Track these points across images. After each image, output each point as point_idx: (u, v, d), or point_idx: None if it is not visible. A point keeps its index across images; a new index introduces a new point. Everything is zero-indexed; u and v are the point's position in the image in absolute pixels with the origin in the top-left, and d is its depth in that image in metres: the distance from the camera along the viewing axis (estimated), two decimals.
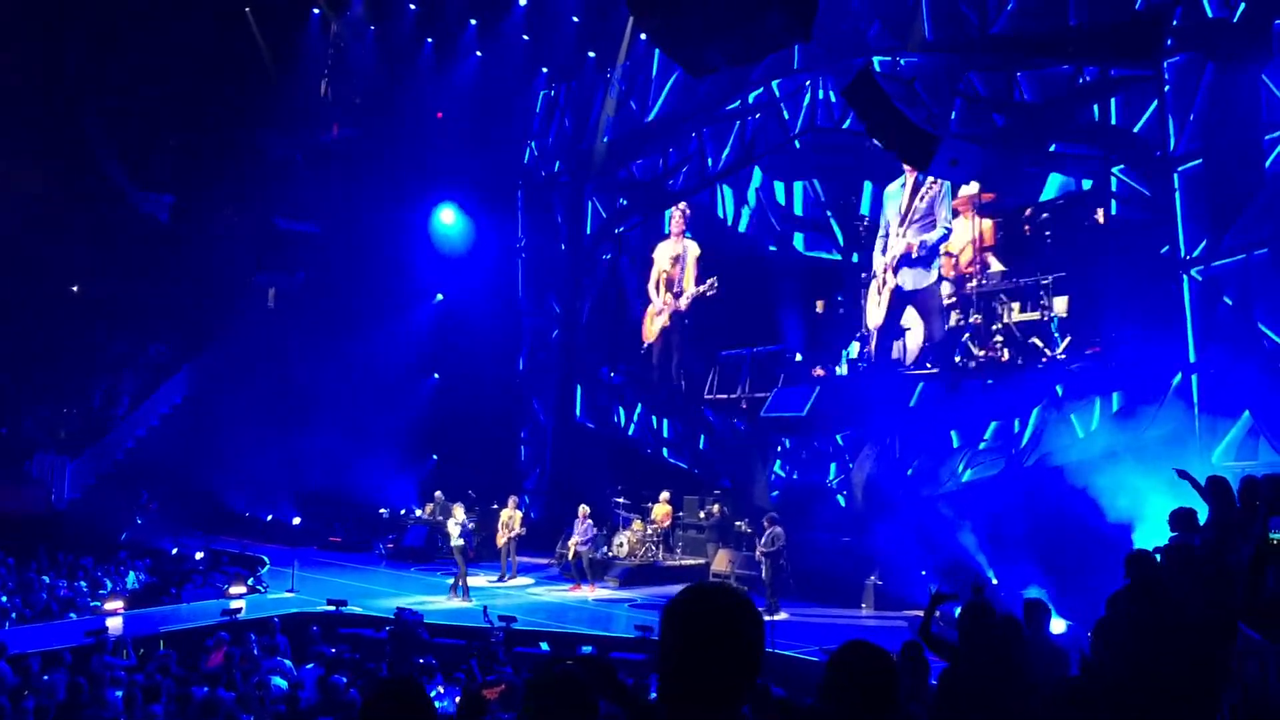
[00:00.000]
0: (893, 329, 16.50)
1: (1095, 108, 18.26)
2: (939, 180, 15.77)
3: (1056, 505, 15.51)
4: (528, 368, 27.49)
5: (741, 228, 19.09)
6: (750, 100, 23.04)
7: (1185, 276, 16.50)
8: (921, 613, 7.81)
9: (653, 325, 19.22)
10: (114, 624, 15.10)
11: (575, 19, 25.06)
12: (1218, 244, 16.18)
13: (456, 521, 19.65)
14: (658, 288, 18.89)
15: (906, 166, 16.85)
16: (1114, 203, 18.19)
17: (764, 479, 22.35)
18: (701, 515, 22.18)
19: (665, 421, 25.00)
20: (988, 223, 15.27)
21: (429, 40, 27.08)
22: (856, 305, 17.55)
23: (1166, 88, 16.83)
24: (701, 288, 18.22)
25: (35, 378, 27.91)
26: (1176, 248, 16.68)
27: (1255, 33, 15.62)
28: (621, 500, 22.53)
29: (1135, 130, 17.67)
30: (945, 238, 15.78)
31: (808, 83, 21.93)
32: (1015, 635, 5.80)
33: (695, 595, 2.61)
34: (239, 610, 16.40)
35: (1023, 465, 17.77)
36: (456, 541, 19.41)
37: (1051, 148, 18.92)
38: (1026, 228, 15.42)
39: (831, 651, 3.25)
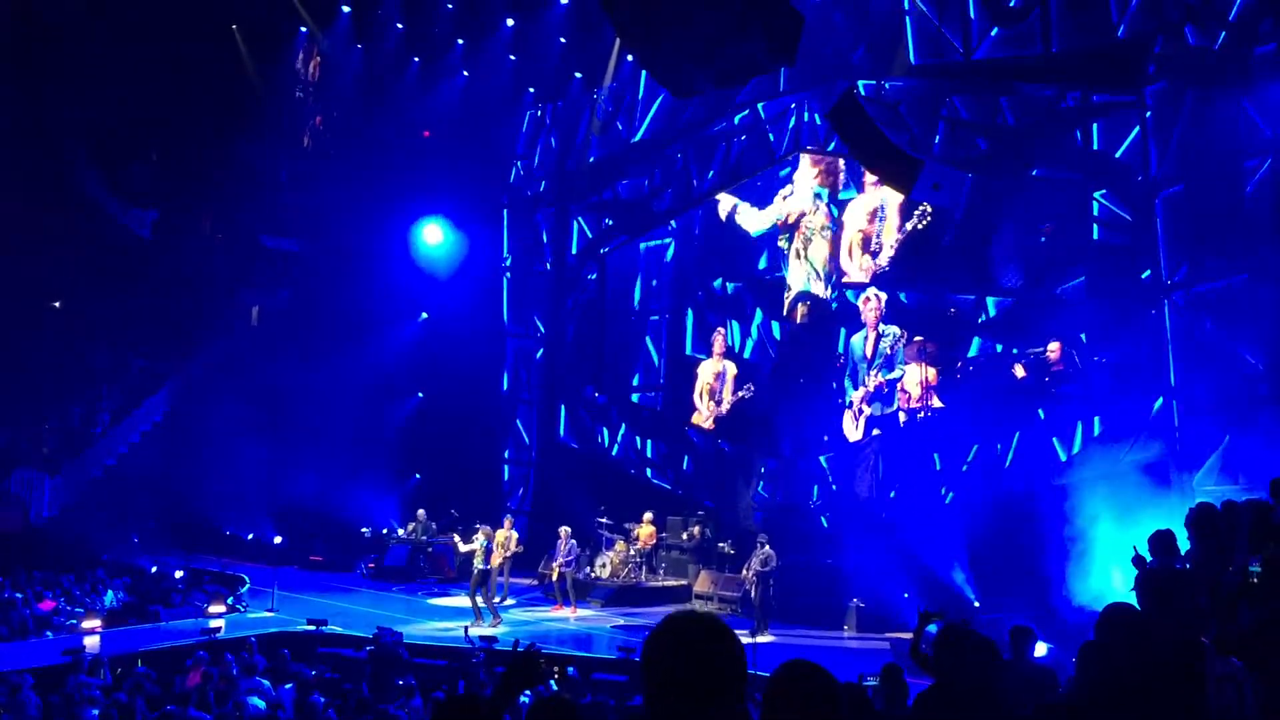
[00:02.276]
0: (866, 444, 20.17)
1: (1078, 132, 18.43)
2: (892, 335, 19.77)
3: (1038, 528, 15.55)
4: (512, 387, 27.44)
5: (746, 354, 22.17)
6: (735, 122, 23.19)
7: (1166, 301, 16.62)
8: (904, 635, 7.83)
9: (701, 428, 22.50)
10: (91, 643, 14.96)
11: (562, 40, 25.14)
12: (1199, 269, 16.32)
13: (483, 543, 19.31)
14: (701, 397, 22.15)
15: (865, 320, 20.16)
16: (1096, 227, 18.33)
17: (747, 500, 22.36)
18: (684, 536, 22.14)
19: (649, 442, 25.00)
20: (932, 370, 19.02)
21: (416, 59, 27.10)
22: (837, 425, 20.60)
23: (1148, 113, 17.01)
24: (741, 392, 21.45)
25: (15, 393, 27.66)
26: (1158, 272, 16.81)
27: (1235, 61, 15.80)
28: (604, 520, 22.46)
29: (1117, 155, 17.84)
30: (900, 378, 19.52)
31: (793, 105, 22.10)
32: (992, 658, 5.79)
33: (680, 621, 2.70)
34: (218, 629, 16.29)
35: (1005, 488, 17.81)
36: (482, 564, 19.07)
37: (1034, 172, 19.08)
38: (959, 375, 19.11)
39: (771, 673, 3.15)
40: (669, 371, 24.07)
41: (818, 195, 21.48)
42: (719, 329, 22.65)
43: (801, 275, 21.32)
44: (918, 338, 19.34)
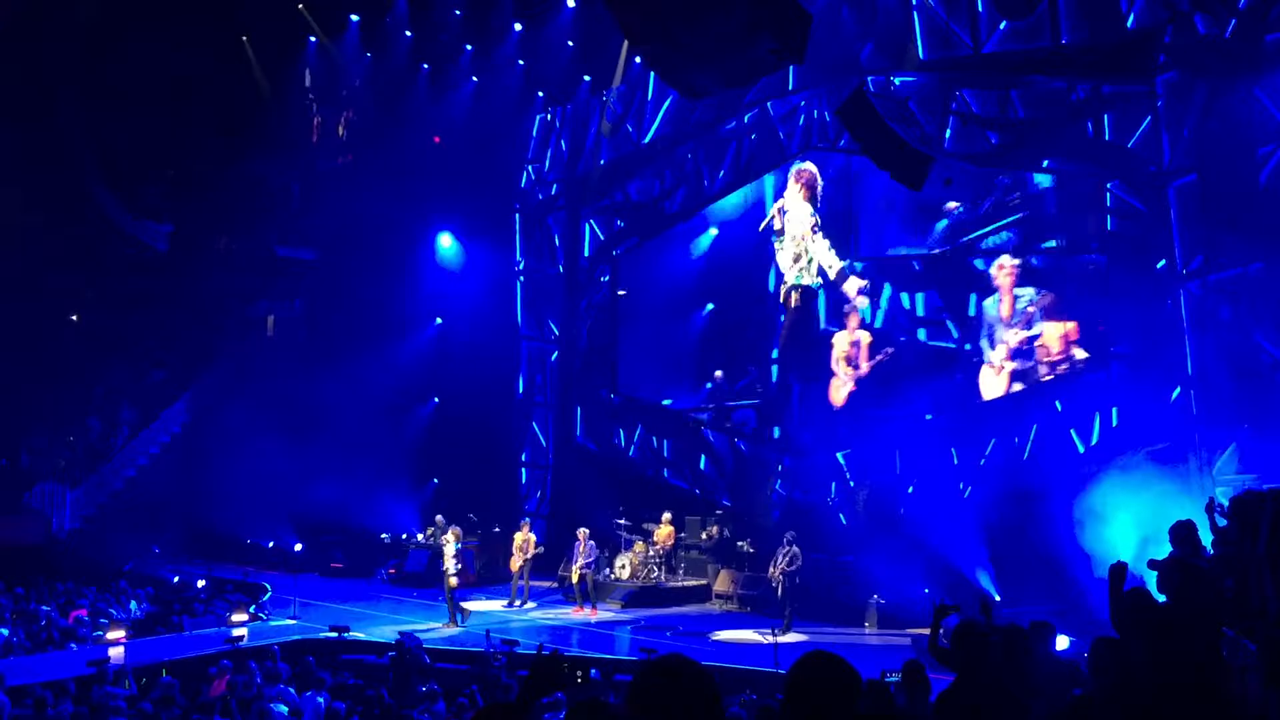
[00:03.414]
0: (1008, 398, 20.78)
1: (1089, 124, 18.36)
2: (1028, 296, 20.22)
3: (1057, 520, 15.52)
4: (527, 390, 27.48)
5: (877, 324, 22.61)
6: (745, 121, 23.21)
7: (1182, 290, 16.55)
8: (925, 631, 7.82)
9: (840, 392, 23.00)
10: (116, 653, 15.07)
11: (570, 43, 25.18)
12: (1214, 258, 16.24)
13: (454, 544, 19.43)
14: (839, 364, 22.96)
15: (999, 285, 20.47)
16: (1109, 218, 18.27)
17: (764, 498, 22.36)
18: (704, 536, 22.17)
19: (665, 442, 25.01)
20: (1072, 324, 19.61)
21: (425, 66, 27.18)
22: (973, 382, 20.89)
23: (1159, 103, 16.93)
24: (880, 356, 22.23)
25: (35, 408, 27.87)
26: (1173, 262, 16.74)
27: (1247, 48, 15.70)
28: (623, 521, 22.50)
29: (1129, 146, 17.76)
30: (1037, 335, 19.99)
31: (802, 103, 22.13)
32: (1016, 651, 5.79)
33: (656, 671, 2.97)
34: (241, 638, 16.35)
35: (1023, 481, 17.77)
36: (455, 566, 19.21)
37: (1045, 164, 19.02)
38: (1100, 328, 19.19)
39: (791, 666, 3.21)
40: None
41: (806, 211, 22.60)
42: (849, 305, 23.15)
43: (794, 271, 22.76)
44: (1048, 296, 20.08)
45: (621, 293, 25.88)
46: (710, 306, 25.34)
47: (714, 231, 24.97)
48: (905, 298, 22.70)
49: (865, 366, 22.66)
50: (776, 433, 23.86)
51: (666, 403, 25.29)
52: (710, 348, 25.30)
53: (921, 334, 22.42)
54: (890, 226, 22.54)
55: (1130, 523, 13.95)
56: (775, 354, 24.49)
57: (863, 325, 22.87)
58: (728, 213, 24.49)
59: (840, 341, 23.18)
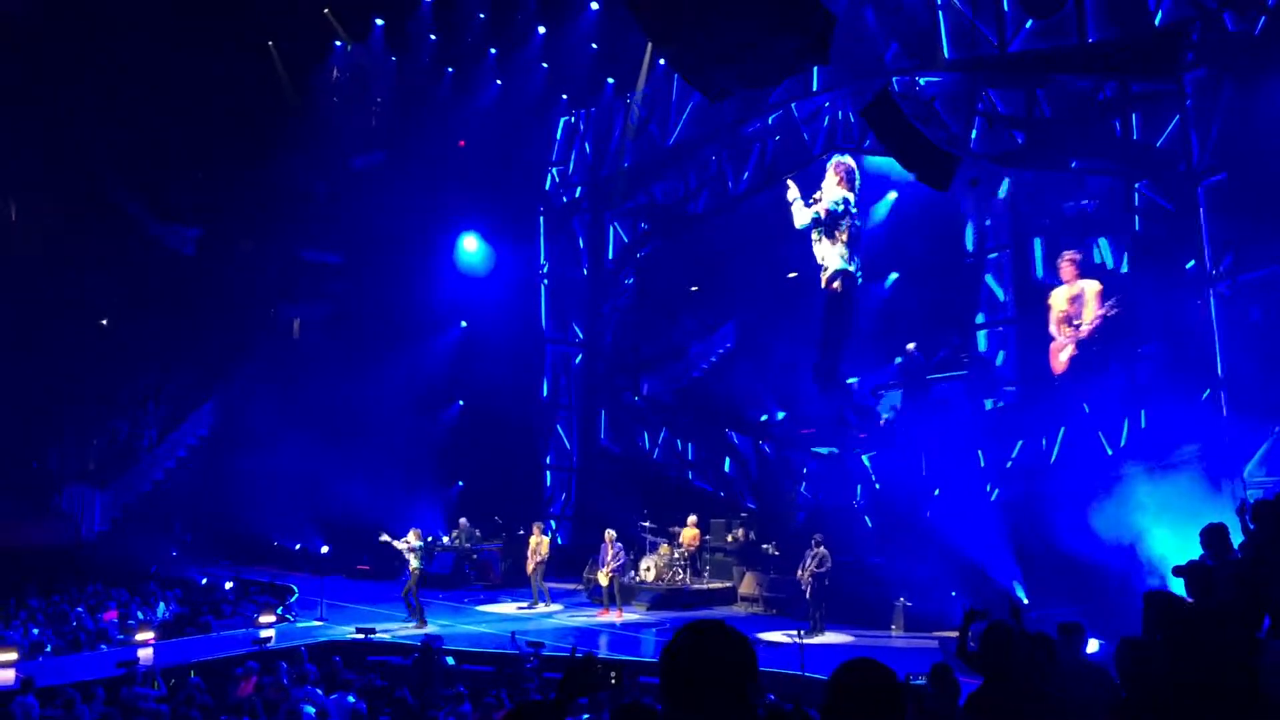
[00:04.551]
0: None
1: (1116, 123, 18.21)
2: None
3: (1084, 523, 15.39)
4: (552, 393, 27.53)
5: (1123, 269, 19.90)
6: (770, 122, 23.14)
7: (1211, 291, 16.39)
8: (953, 634, 7.78)
9: (1060, 357, 20.35)
10: (145, 655, 15.17)
11: (594, 46, 25.21)
12: (1244, 258, 16.08)
13: (413, 546, 19.41)
14: (1059, 327, 20.28)
15: None
16: (1137, 218, 18.12)
17: (789, 501, 22.29)
18: (729, 539, 22.12)
19: (690, 445, 24.97)
20: None
21: (449, 69, 27.29)
22: None
23: (1188, 102, 16.78)
24: (1102, 310, 19.34)
25: (64, 411, 28.13)
26: (1202, 262, 16.59)
27: (1276, 46, 15.56)
28: (647, 524, 22.49)
29: (1157, 145, 17.61)
30: None
31: (826, 104, 22.04)
32: (1044, 655, 5.74)
33: (688, 633, 3.02)
34: (269, 639, 16.45)
35: (1051, 484, 17.63)
36: (419, 565, 19.26)
37: (1073, 164, 18.89)
38: None
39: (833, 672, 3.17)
40: (1018, 303, 22.17)
41: (845, 200, 21.28)
42: (1066, 254, 20.43)
43: (836, 258, 21.50)
44: None
45: (792, 275, 23.78)
46: (894, 275, 23.55)
47: (893, 196, 22.53)
48: None
49: (1087, 326, 19.68)
50: (988, 405, 21.72)
51: (852, 381, 23.22)
52: (896, 319, 23.04)
53: None
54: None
55: (1160, 525, 13.82)
56: (980, 319, 22.67)
57: (1087, 273, 20.04)
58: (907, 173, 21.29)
59: (1058, 300, 20.50)
